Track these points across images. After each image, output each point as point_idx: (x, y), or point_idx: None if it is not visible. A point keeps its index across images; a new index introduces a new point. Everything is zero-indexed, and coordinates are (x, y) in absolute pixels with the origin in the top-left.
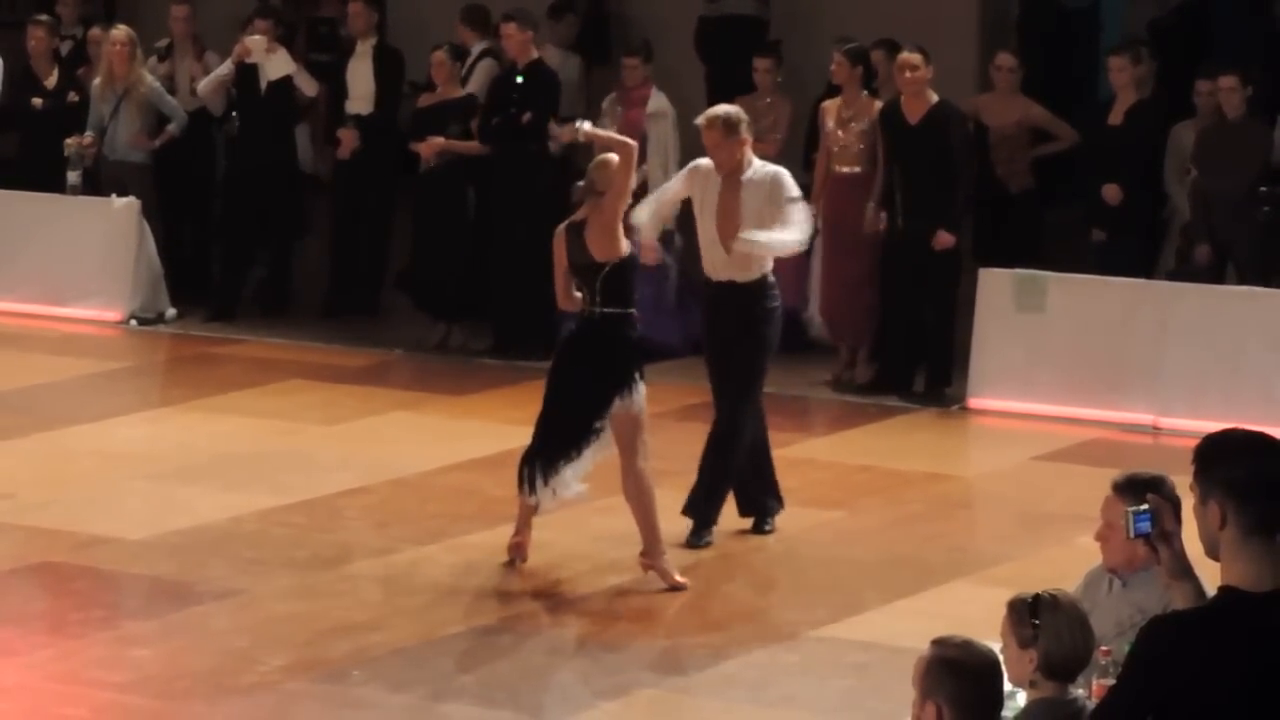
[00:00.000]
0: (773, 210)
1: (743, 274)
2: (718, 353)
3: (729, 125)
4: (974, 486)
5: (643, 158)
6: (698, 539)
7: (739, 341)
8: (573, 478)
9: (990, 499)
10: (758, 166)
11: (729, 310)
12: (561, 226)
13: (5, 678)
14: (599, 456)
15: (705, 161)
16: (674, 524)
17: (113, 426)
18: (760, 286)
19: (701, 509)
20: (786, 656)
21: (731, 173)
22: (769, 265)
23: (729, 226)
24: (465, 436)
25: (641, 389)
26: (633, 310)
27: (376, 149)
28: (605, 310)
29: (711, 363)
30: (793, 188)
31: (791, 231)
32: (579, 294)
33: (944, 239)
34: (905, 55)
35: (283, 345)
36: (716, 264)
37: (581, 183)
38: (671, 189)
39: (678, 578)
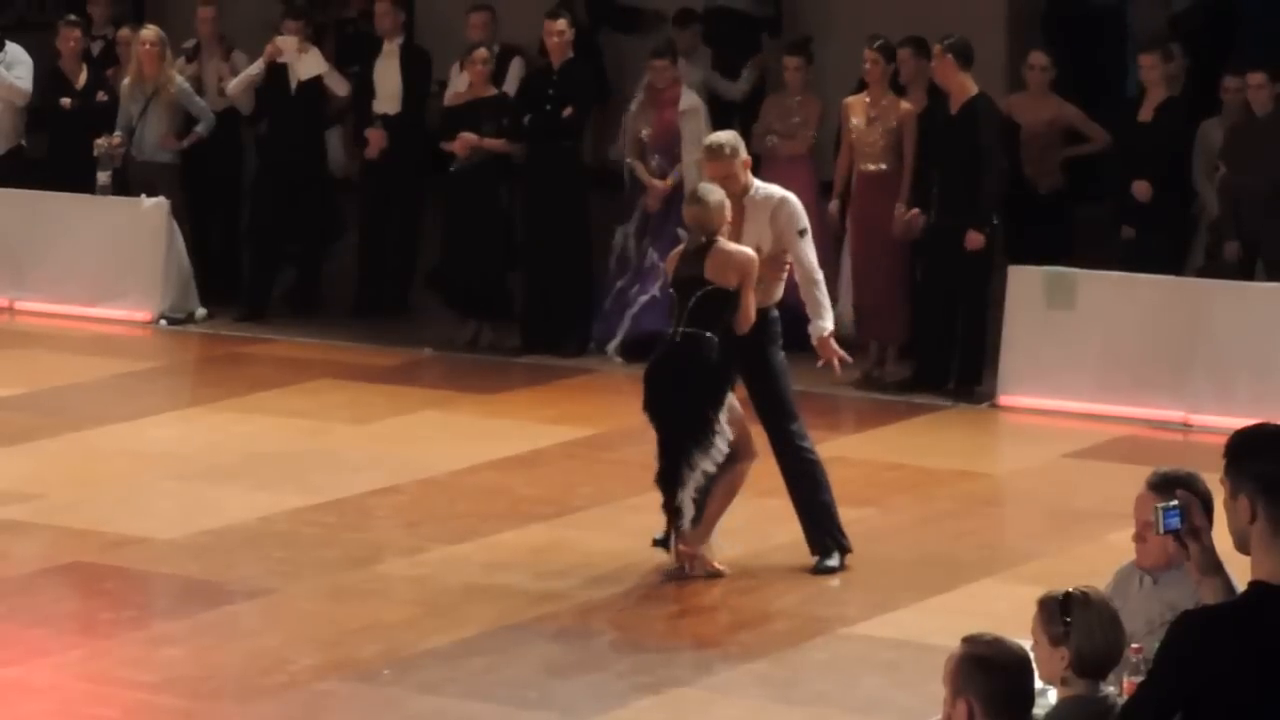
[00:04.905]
0: (774, 233)
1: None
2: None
3: (732, 150)
4: (1004, 484)
5: (678, 157)
6: (821, 564)
7: (755, 372)
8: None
9: (1020, 496)
10: (759, 187)
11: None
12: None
13: (36, 678)
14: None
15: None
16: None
17: (143, 426)
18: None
19: (814, 538)
20: (817, 654)
21: (736, 196)
22: (777, 296)
23: None
24: (495, 436)
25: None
26: (712, 336)
27: (404, 148)
28: (686, 330)
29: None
30: (802, 218)
31: (821, 291)
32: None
33: (974, 239)
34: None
35: (312, 345)
36: None
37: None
38: None
39: (716, 564)
